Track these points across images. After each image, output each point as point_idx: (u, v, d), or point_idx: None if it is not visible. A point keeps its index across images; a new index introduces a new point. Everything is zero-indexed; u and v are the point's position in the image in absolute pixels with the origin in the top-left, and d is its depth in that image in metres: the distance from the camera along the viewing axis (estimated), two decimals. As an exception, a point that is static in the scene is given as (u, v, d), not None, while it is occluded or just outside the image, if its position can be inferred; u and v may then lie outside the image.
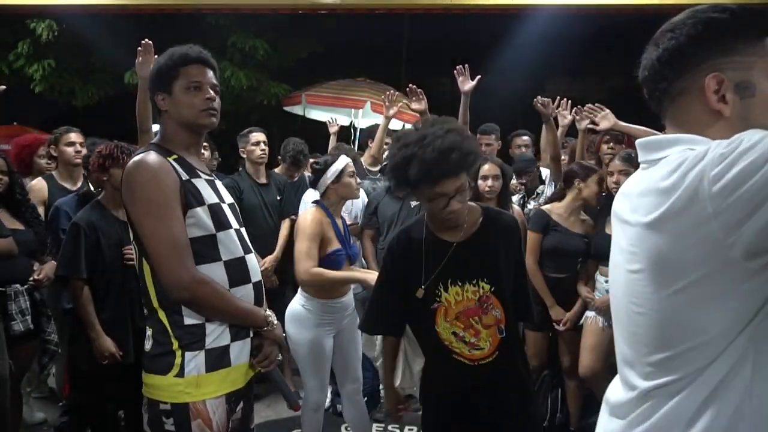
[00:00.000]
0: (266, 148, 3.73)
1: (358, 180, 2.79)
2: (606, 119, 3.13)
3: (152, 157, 1.55)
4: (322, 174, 2.65)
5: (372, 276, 2.44)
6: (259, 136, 3.72)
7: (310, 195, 3.66)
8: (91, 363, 2.54)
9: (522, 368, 1.91)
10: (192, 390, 1.52)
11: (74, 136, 3.46)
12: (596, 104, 3.20)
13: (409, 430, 3.36)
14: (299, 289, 2.68)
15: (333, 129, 4.81)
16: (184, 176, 1.57)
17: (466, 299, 1.78)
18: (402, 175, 1.68)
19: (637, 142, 1.01)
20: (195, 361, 1.53)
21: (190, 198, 1.55)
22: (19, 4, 5.61)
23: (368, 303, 2.03)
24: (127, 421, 2.82)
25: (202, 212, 1.56)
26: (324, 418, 3.51)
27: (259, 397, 3.66)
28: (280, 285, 3.69)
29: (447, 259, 1.79)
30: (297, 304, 2.66)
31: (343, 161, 2.68)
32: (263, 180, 3.75)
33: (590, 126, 3.36)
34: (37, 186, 3.37)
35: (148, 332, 1.61)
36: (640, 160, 0.99)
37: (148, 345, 1.60)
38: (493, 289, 1.79)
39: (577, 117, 3.60)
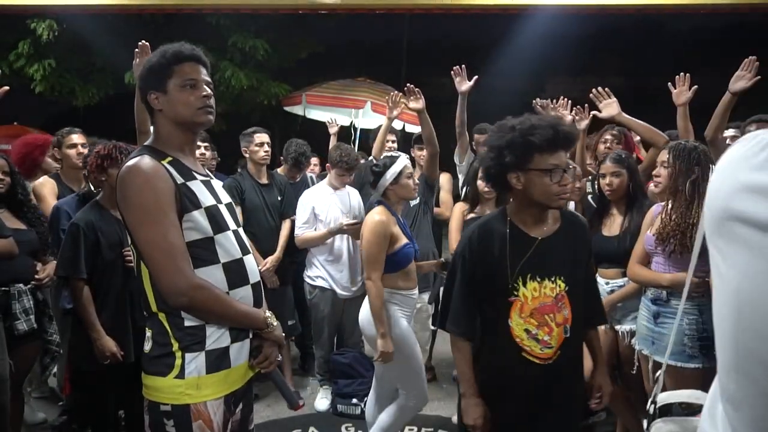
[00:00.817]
0: (269, 150, 3.71)
1: (417, 181, 2.85)
2: (610, 107, 3.06)
3: (146, 161, 1.52)
4: (381, 176, 2.71)
5: None
6: (263, 137, 3.69)
7: (307, 196, 3.66)
8: (92, 363, 2.54)
9: (581, 370, 1.95)
10: (192, 391, 1.52)
11: (76, 138, 3.42)
12: (605, 89, 3.10)
13: (409, 430, 3.36)
14: None
15: (333, 129, 4.81)
16: (179, 180, 1.54)
17: (544, 295, 1.81)
18: (521, 144, 1.74)
19: None
20: (195, 362, 1.52)
21: (186, 202, 1.53)
22: (19, 4, 5.61)
23: (447, 298, 1.97)
24: (127, 421, 2.82)
25: (198, 215, 1.54)
26: (324, 418, 3.53)
27: (259, 398, 3.66)
28: (281, 285, 3.69)
29: (531, 253, 1.82)
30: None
31: (401, 163, 2.73)
32: (265, 180, 3.74)
33: (594, 112, 3.29)
34: (49, 181, 3.35)
35: (148, 333, 1.60)
36: None
37: (147, 346, 1.59)
38: (567, 289, 1.83)
39: (577, 117, 3.60)
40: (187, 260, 1.51)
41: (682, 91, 3.01)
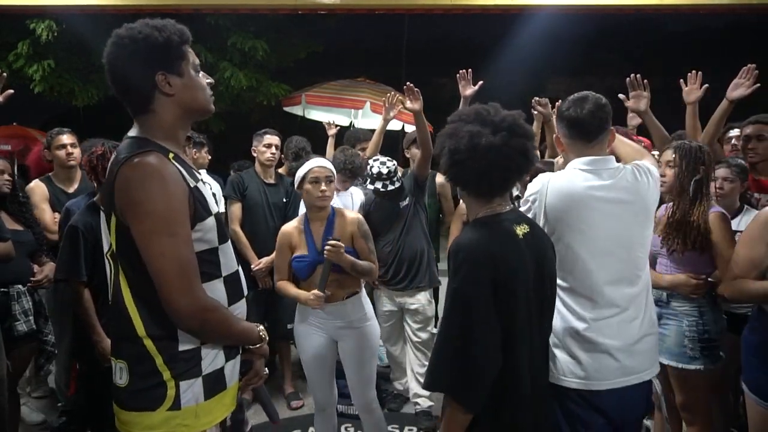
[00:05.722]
0: (276, 152, 3.76)
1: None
2: (640, 100, 2.84)
3: (156, 160, 1.29)
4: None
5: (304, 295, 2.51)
6: (272, 138, 3.75)
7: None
8: (92, 365, 2.54)
9: None
10: (191, 421, 1.35)
11: (65, 138, 3.38)
12: (644, 80, 2.86)
13: (408, 430, 3.36)
14: None
15: (332, 132, 4.79)
16: (192, 182, 1.35)
17: None
18: None
19: None
20: (192, 390, 1.35)
21: (199, 208, 1.34)
22: (19, 4, 5.60)
23: None
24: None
25: (210, 223, 1.37)
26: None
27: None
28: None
29: None
30: None
31: (306, 167, 2.57)
32: (271, 180, 3.78)
33: (621, 96, 2.95)
34: (39, 185, 3.34)
35: (120, 365, 1.37)
36: None
37: (122, 380, 1.36)
38: None
39: None
40: (198, 278, 1.33)
41: (692, 89, 2.95)
